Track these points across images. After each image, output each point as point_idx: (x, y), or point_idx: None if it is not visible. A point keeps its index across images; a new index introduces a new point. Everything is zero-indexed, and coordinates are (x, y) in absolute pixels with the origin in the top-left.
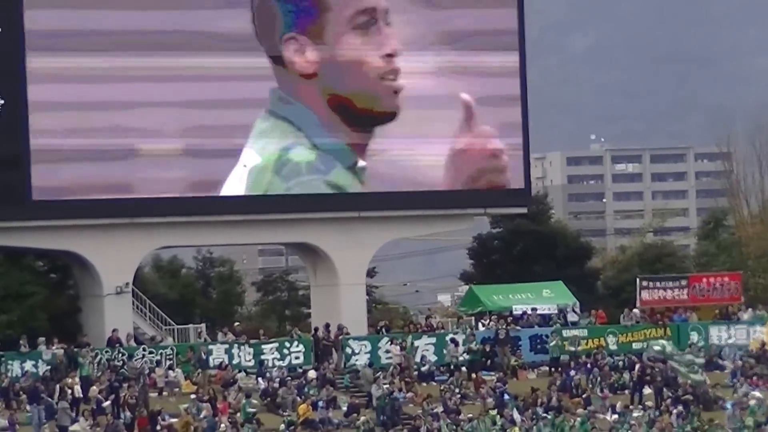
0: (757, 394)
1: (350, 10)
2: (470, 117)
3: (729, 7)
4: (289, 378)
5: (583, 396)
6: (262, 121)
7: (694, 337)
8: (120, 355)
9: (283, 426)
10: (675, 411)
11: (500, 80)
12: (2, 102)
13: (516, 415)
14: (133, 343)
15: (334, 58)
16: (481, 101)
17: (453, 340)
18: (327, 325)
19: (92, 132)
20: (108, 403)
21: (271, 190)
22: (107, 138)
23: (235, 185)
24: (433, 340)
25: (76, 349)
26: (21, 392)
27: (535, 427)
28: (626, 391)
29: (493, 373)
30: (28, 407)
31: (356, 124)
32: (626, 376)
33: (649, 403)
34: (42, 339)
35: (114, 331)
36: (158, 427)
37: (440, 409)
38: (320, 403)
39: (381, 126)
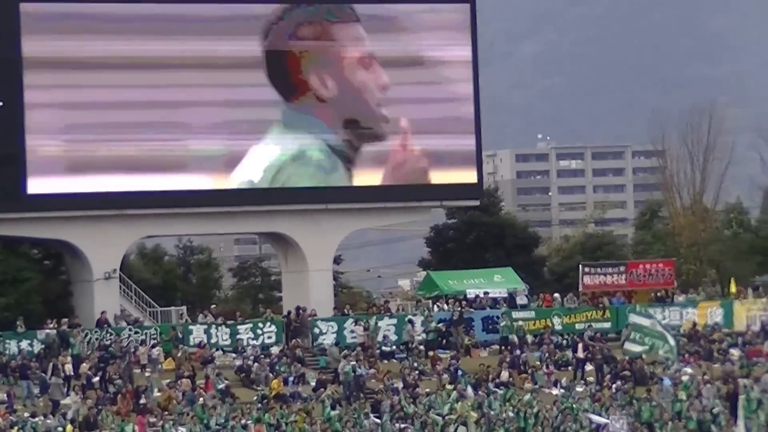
0: (689, 370)
1: (358, 53)
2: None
3: (665, 18)
4: (263, 356)
5: (531, 372)
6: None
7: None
8: (108, 334)
9: (256, 399)
10: (614, 386)
11: (455, 85)
12: (1, 104)
13: (469, 390)
14: (122, 324)
15: (347, 88)
16: (438, 105)
17: (411, 321)
18: (298, 308)
19: (84, 130)
20: (97, 378)
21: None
22: (99, 135)
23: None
24: (394, 321)
25: (67, 330)
26: (17, 369)
27: (486, 401)
28: (570, 368)
29: (448, 351)
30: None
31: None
32: (570, 354)
33: (591, 379)
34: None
35: (102, 313)
36: (142, 401)
37: (400, 384)
38: (290, 379)
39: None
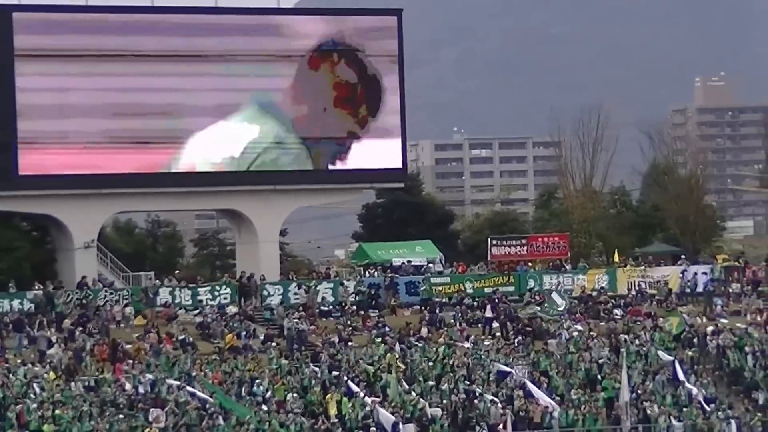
0: (579, 327)
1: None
2: None
3: (563, 31)
4: (220, 314)
5: (446, 329)
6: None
7: (531, 283)
8: (87, 295)
9: (214, 350)
10: (517, 340)
11: (385, 86)
12: None
13: (397, 346)
14: (99, 286)
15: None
16: (371, 104)
17: (344, 285)
18: (245, 274)
19: (69, 121)
20: (77, 333)
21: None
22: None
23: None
24: (331, 285)
25: (52, 291)
26: (9, 324)
27: (408, 353)
28: (479, 325)
29: (376, 311)
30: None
31: None
32: (479, 313)
33: (497, 334)
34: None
35: (83, 277)
36: (117, 352)
37: (336, 339)
38: (243, 334)
39: None
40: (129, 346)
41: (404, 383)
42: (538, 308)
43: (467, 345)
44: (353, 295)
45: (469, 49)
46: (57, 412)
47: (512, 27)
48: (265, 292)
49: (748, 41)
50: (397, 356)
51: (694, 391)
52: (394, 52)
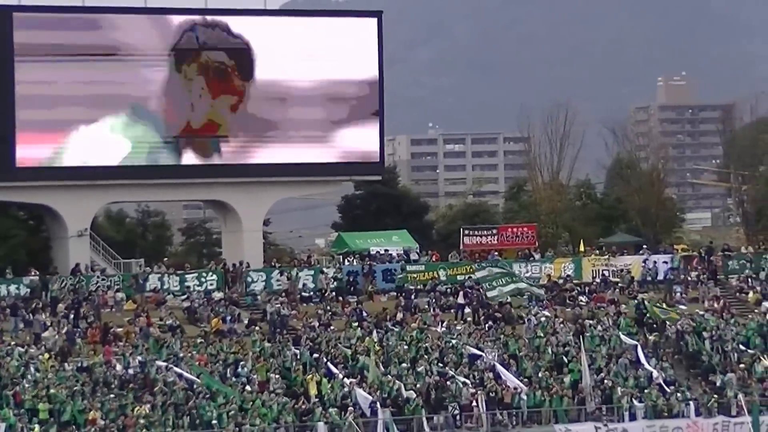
0: (546, 313)
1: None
2: None
3: (532, 30)
4: (206, 299)
5: (420, 314)
6: None
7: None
8: (80, 281)
9: (197, 333)
10: (487, 325)
11: (365, 84)
12: None
13: (374, 330)
14: (92, 272)
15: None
16: (351, 101)
17: (324, 272)
18: (227, 262)
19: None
20: (71, 316)
21: None
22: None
23: None
24: (312, 272)
25: (47, 276)
26: (6, 308)
27: (384, 337)
28: (452, 311)
29: (355, 297)
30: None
31: None
32: (452, 299)
33: (469, 319)
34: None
35: (77, 264)
36: (108, 335)
37: (316, 323)
38: (228, 318)
39: None
40: (120, 329)
41: (381, 366)
42: (499, 290)
43: (440, 329)
44: (333, 282)
45: (443, 49)
46: (51, 391)
47: (484, 27)
48: (249, 279)
49: (708, 43)
50: (374, 340)
51: (655, 373)
52: (374, 52)
